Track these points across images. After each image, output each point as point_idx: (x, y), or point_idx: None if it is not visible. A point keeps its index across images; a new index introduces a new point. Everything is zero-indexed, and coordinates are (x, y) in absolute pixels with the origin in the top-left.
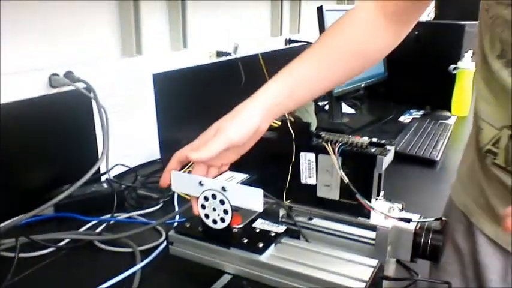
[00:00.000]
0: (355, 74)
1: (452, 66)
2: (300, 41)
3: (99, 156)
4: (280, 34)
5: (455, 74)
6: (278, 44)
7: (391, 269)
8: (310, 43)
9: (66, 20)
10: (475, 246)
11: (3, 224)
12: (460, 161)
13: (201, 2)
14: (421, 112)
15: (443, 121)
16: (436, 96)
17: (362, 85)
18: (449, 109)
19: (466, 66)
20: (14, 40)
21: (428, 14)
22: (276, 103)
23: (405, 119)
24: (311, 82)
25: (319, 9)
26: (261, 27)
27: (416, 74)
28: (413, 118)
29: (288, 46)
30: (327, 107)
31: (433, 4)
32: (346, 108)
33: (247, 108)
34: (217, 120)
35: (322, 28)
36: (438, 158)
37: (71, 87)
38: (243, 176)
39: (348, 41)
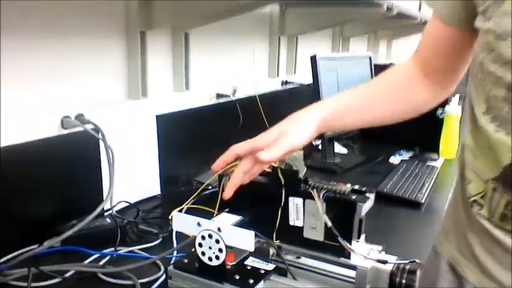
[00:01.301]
0: (399, 118)
1: (440, 110)
2: (295, 83)
3: (105, 193)
4: (277, 75)
5: (442, 118)
6: (275, 85)
7: None
8: (307, 85)
9: (77, 65)
10: None
11: (13, 254)
12: (444, 214)
13: (203, 46)
14: (411, 153)
15: (431, 163)
16: (425, 138)
17: None
18: (437, 151)
19: (453, 110)
20: (30, 84)
21: None
22: (330, 119)
23: (394, 160)
24: (358, 111)
25: (313, 58)
26: (259, 69)
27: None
28: (402, 160)
29: (284, 87)
30: (320, 147)
31: None
32: (339, 148)
33: (307, 118)
34: (277, 124)
35: (315, 75)
36: (423, 201)
37: (80, 129)
38: (237, 218)
39: (390, 88)
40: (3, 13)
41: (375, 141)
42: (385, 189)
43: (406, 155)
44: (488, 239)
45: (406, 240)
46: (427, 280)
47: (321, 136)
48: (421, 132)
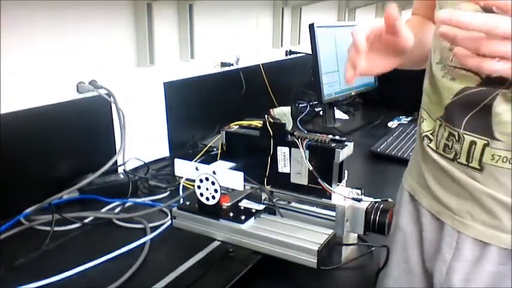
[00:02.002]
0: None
1: None
2: (300, 52)
3: (117, 151)
4: (281, 46)
5: None
6: (279, 55)
7: (351, 240)
8: (310, 54)
9: (90, 35)
10: (421, 224)
11: (39, 204)
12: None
13: (208, 17)
14: (409, 118)
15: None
16: None
17: (352, 93)
18: None
19: None
20: (47, 53)
21: None
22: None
23: (392, 124)
24: (419, 46)
25: (311, 26)
26: (263, 39)
27: (407, 83)
28: (399, 123)
29: (288, 57)
30: (321, 113)
31: None
32: (340, 114)
33: None
34: None
35: (313, 43)
36: None
37: (94, 93)
38: (231, 164)
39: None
40: None
41: (375, 107)
42: (379, 149)
43: (404, 120)
44: (436, 169)
45: (392, 191)
46: (395, 213)
47: (321, 101)
48: (419, 98)
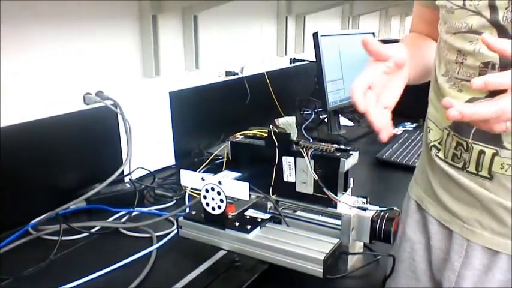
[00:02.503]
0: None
1: None
2: (304, 60)
3: (124, 161)
4: (285, 54)
5: None
6: (283, 63)
7: (357, 249)
8: (314, 62)
9: (97, 48)
10: (428, 233)
11: (47, 214)
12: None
13: (212, 27)
14: (414, 124)
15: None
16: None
17: None
18: None
19: None
20: (54, 65)
21: None
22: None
23: (397, 131)
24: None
25: (315, 35)
26: (267, 48)
27: (411, 89)
28: (404, 130)
29: (292, 65)
30: (326, 120)
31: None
32: (345, 121)
33: None
34: None
35: (318, 52)
36: None
37: (101, 104)
38: (237, 174)
39: (423, 44)
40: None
41: None
42: (384, 156)
43: (410, 127)
44: (444, 177)
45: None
46: (401, 222)
47: (325, 109)
48: (425, 104)
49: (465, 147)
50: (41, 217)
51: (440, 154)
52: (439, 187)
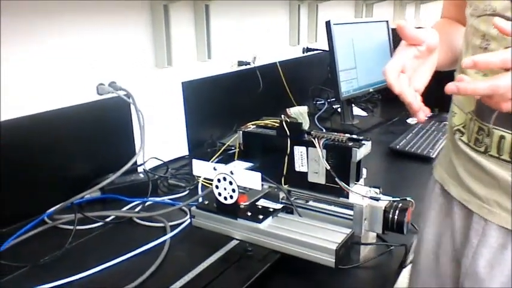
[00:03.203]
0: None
1: None
2: (317, 49)
3: (137, 151)
4: (298, 43)
5: None
6: (296, 52)
7: (369, 239)
8: (327, 51)
9: (109, 38)
10: (451, 216)
11: (62, 204)
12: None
13: (224, 16)
14: (429, 114)
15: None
16: (444, 99)
17: (371, 90)
18: None
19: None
20: (68, 55)
21: None
22: None
23: (412, 120)
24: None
25: (327, 24)
26: (280, 37)
27: None
28: None
29: (305, 54)
30: (339, 110)
31: None
32: (358, 111)
33: None
34: None
35: (330, 41)
36: (434, 155)
37: (114, 94)
38: (248, 164)
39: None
40: None
41: (395, 104)
42: (398, 146)
43: None
44: (467, 160)
45: (411, 189)
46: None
47: (338, 98)
48: (439, 93)
49: (486, 132)
50: (57, 207)
51: (464, 138)
52: (461, 169)
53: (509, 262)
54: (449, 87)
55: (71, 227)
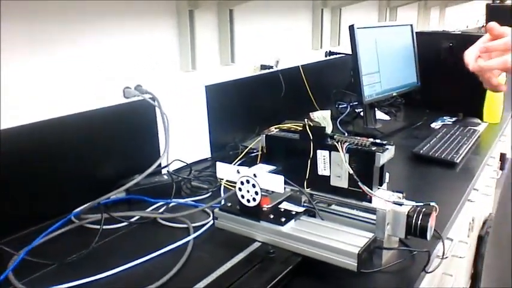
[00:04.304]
0: None
1: None
2: (339, 53)
3: (161, 153)
4: (321, 47)
5: None
6: (318, 56)
7: (392, 244)
8: (350, 55)
9: (136, 43)
10: None
11: (88, 204)
12: None
13: (247, 21)
14: (453, 119)
15: (472, 127)
16: (469, 103)
17: (394, 94)
18: (480, 116)
19: None
20: (97, 60)
21: (477, 21)
22: None
23: (436, 125)
24: None
25: (351, 28)
26: (302, 41)
27: (450, 83)
28: (443, 124)
29: (328, 58)
30: (362, 114)
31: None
32: (381, 115)
33: None
34: None
35: (354, 45)
36: (458, 161)
37: (139, 98)
38: (271, 167)
39: None
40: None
41: (418, 108)
42: (421, 151)
43: (449, 121)
44: None
45: (434, 194)
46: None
47: (361, 102)
48: (464, 98)
49: None
50: (83, 206)
51: None
52: None
53: None
54: (473, 66)
55: (97, 227)
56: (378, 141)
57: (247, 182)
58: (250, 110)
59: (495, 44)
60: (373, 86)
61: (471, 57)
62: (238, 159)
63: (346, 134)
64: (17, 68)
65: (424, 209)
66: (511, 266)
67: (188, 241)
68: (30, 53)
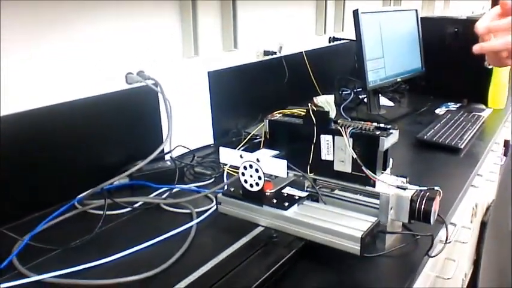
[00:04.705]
0: None
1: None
2: (343, 39)
3: (164, 139)
4: (325, 33)
5: (491, 69)
6: (322, 42)
7: (395, 228)
8: (354, 40)
9: (138, 29)
10: None
11: (92, 190)
12: None
13: (250, 6)
14: (458, 105)
15: (477, 113)
16: (473, 89)
17: (398, 79)
18: (485, 102)
19: None
20: (98, 45)
21: (483, 7)
22: None
23: (440, 111)
24: None
25: (355, 13)
26: (306, 26)
27: (455, 69)
28: (447, 110)
29: (331, 44)
30: (366, 100)
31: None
32: (385, 101)
33: None
34: None
35: (358, 30)
36: (462, 146)
37: (142, 84)
38: (274, 152)
39: None
40: None
41: (422, 94)
42: (425, 137)
43: (453, 107)
44: None
45: (438, 180)
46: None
47: (365, 88)
48: (469, 83)
49: None
50: (87, 192)
51: None
52: None
53: None
54: (475, 48)
55: (101, 212)
56: (381, 125)
57: (251, 166)
58: (253, 96)
59: (498, 24)
60: (377, 71)
61: (482, 24)
62: (241, 145)
63: (350, 120)
64: (17, 55)
65: (428, 194)
66: (510, 252)
67: (191, 226)
68: (29, 39)
